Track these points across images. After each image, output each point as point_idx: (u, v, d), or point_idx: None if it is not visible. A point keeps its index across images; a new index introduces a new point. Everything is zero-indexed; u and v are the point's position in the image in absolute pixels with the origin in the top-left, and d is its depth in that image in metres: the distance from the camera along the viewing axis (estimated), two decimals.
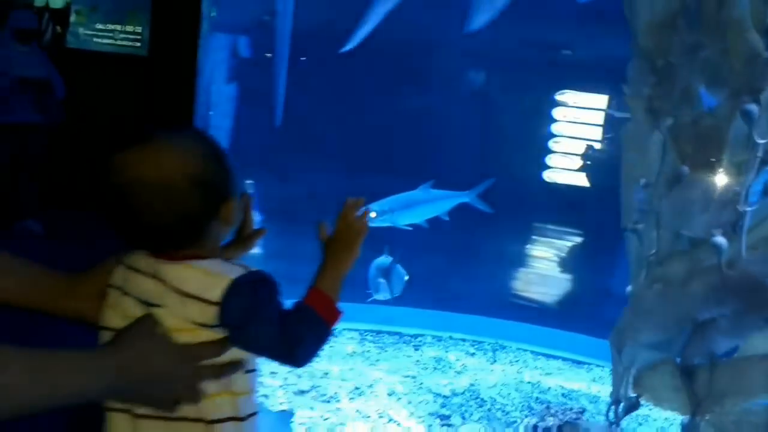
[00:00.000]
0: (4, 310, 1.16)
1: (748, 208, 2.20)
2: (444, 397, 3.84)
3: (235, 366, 1.13)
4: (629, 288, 2.73)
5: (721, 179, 2.29)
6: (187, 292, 1.09)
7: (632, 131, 2.56)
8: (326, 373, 3.94)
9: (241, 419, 1.13)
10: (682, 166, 2.34)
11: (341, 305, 1.19)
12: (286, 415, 3.01)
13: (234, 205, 1.19)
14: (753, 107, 2.03)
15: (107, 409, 1.12)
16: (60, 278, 1.20)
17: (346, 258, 1.24)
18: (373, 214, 4.55)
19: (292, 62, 5.06)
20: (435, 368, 4.36)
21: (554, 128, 5.65)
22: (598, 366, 4.77)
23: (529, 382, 4.32)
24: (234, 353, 1.12)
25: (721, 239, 2.28)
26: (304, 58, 5.13)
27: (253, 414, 1.17)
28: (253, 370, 1.17)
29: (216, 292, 1.08)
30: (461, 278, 5.41)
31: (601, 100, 5.55)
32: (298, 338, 1.13)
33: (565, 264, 5.92)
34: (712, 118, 2.21)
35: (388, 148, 5.45)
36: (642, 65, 2.54)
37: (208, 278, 1.10)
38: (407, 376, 4.09)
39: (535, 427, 2.93)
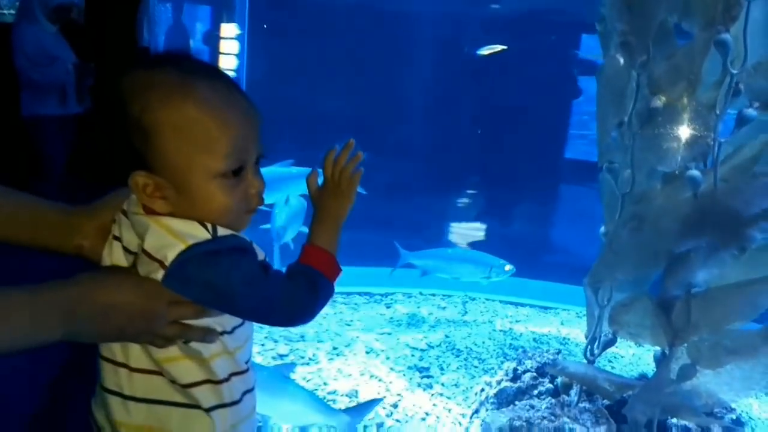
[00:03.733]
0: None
1: (721, 140, 2.23)
2: (421, 350, 3.86)
3: (202, 332, 1.04)
4: (602, 228, 2.77)
5: (693, 113, 2.31)
6: (144, 248, 1.00)
7: (607, 70, 2.55)
8: (302, 336, 3.91)
9: (218, 382, 1.05)
10: (656, 102, 2.36)
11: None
12: (286, 368, 2.97)
13: (150, 180, 1.00)
14: (727, 37, 2.04)
15: (103, 359, 1.06)
16: (56, 212, 1.11)
17: (342, 206, 1.16)
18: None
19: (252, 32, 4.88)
20: (409, 324, 4.38)
21: None
22: (564, 310, 4.89)
23: (501, 330, 4.39)
24: (207, 320, 1.04)
25: (695, 172, 2.31)
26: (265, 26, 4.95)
27: (236, 374, 1.08)
28: (227, 332, 1.06)
29: (168, 254, 0.97)
30: (430, 235, 5.46)
31: None
32: (298, 301, 1.06)
33: (525, 217, 6.02)
34: (685, 52, 2.22)
35: None
36: (615, 1, 2.52)
37: (168, 237, 0.99)
38: (383, 333, 4.09)
39: (514, 369, 2.97)
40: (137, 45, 4.13)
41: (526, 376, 2.96)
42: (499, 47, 5.34)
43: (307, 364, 3.52)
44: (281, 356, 3.57)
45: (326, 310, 4.51)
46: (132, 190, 1.00)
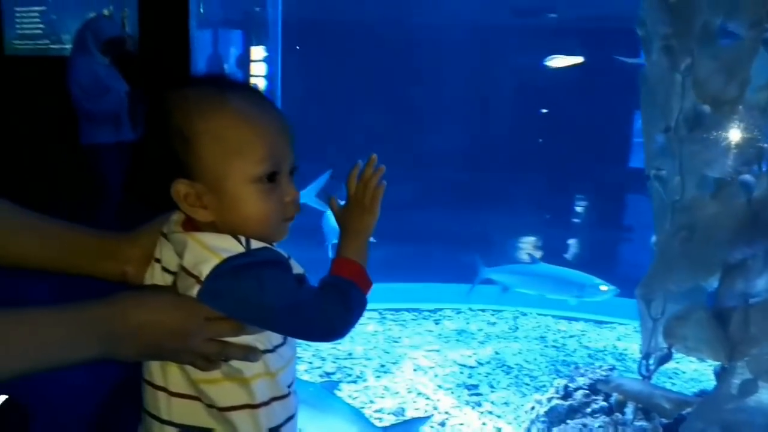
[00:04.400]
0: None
1: None
2: (470, 367, 3.79)
3: (243, 350, 1.02)
4: (654, 238, 2.67)
5: (743, 115, 2.21)
6: (182, 265, 1.01)
7: (649, 74, 2.48)
8: (350, 354, 3.90)
9: (257, 406, 1.02)
10: (703, 106, 2.27)
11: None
12: (331, 385, 2.96)
13: (191, 187, 1.03)
14: None
15: (145, 382, 1.06)
16: (100, 239, 1.13)
17: (367, 221, 1.15)
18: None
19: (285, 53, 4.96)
20: (458, 340, 4.32)
21: None
22: (621, 324, 4.73)
23: (553, 346, 4.28)
24: (247, 337, 1.02)
25: (748, 177, 2.21)
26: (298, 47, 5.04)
27: (277, 399, 1.05)
28: (269, 351, 1.05)
29: (203, 269, 0.98)
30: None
31: None
32: (332, 312, 1.04)
33: (576, 229, 5.89)
34: (732, 53, 2.13)
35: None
36: (655, 3, 2.44)
37: (203, 252, 1.00)
38: (431, 350, 4.04)
39: (566, 387, 2.88)
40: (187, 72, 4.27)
41: (578, 394, 2.86)
42: (574, 59, 5.24)
43: (355, 381, 3.50)
44: (328, 374, 3.56)
45: (375, 327, 4.52)
46: (174, 199, 1.03)
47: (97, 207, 4.81)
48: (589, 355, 4.13)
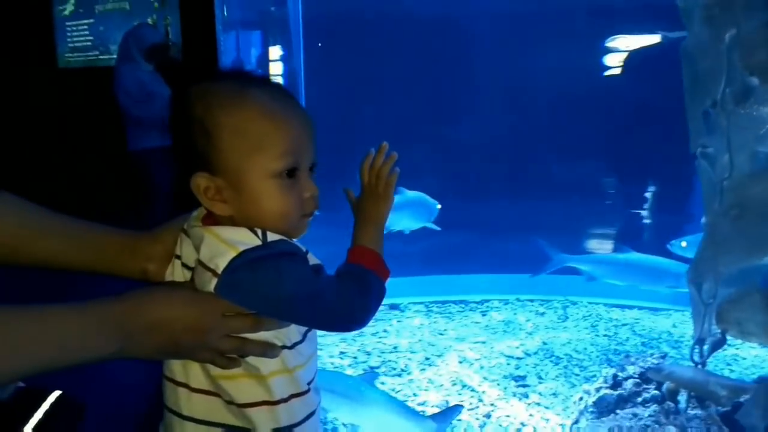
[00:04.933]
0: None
1: None
2: (517, 359, 3.72)
3: (261, 346, 1.01)
4: (704, 219, 2.55)
5: None
6: (199, 259, 1.01)
7: (691, 47, 2.37)
8: (395, 348, 3.88)
9: (275, 402, 1.01)
10: (751, 78, 2.15)
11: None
12: (370, 377, 2.95)
13: (210, 181, 1.03)
14: None
15: (165, 378, 1.06)
16: (121, 238, 1.14)
17: (381, 209, 1.15)
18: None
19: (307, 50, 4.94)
20: (505, 331, 4.25)
21: None
22: (677, 311, 4.56)
23: (605, 335, 4.16)
24: (265, 333, 1.01)
25: None
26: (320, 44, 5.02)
27: (296, 395, 1.04)
28: (287, 347, 1.03)
29: (219, 262, 0.98)
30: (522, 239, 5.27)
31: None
32: (350, 301, 1.03)
33: (642, 215, 5.68)
34: None
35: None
36: None
37: (220, 246, 0.99)
38: (477, 342, 3.99)
39: (615, 376, 2.78)
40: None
41: (628, 383, 2.76)
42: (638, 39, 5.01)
43: (399, 375, 3.48)
44: (373, 368, 3.55)
45: (421, 320, 4.48)
46: (194, 192, 1.03)
47: (146, 210, 4.93)
48: (643, 344, 4.00)
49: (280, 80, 5.01)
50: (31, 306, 0.89)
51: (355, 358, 3.72)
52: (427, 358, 3.71)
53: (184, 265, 1.07)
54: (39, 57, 7.21)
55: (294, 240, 1.06)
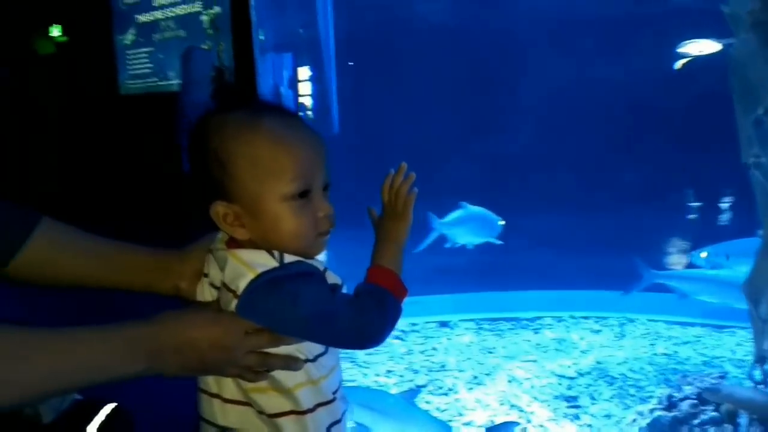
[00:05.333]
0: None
1: None
2: (569, 378, 3.61)
3: (284, 360, 1.06)
4: (760, 231, 2.42)
5: None
6: (223, 281, 1.07)
7: (739, 55, 2.26)
8: (443, 366, 3.83)
9: (302, 412, 1.06)
10: None
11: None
12: (411, 394, 2.92)
13: (228, 209, 1.08)
14: None
15: (200, 391, 1.11)
16: (154, 256, 1.20)
17: (401, 228, 1.17)
18: None
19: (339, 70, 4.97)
20: (557, 350, 4.13)
21: None
22: (743, 329, 4.33)
23: (663, 354, 3.99)
24: (287, 347, 1.07)
25: None
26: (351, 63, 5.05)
27: (322, 404, 1.08)
28: (310, 360, 1.08)
29: (240, 284, 1.03)
30: (577, 255, 5.12)
31: None
32: (367, 320, 1.06)
33: (688, 224, 5.45)
34: None
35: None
36: None
37: (240, 268, 1.05)
38: (527, 361, 3.89)
39: (670, 397, 2.65)
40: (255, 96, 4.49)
41: (685, 404, 2.63)
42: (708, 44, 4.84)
43: (446, 394, 3.42)
44: (420, 387, 3.50)
45: (470, 337, 4.41)
46: (214, 219, 1.08)
47: (202, 232, 5.07)
48: (704, 363, 3.82)
49: (309, 100, 5.07)
50: (64, 329, 0.96)
51: (401, 376, 3.69)
52: (475, 377, 3.64)
53: (211, 284, 1.12)
54: (102, 85, 7.54)
55: (314, 259, 1.10)
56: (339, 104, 5.02)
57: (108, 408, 1.22)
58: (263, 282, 1.03)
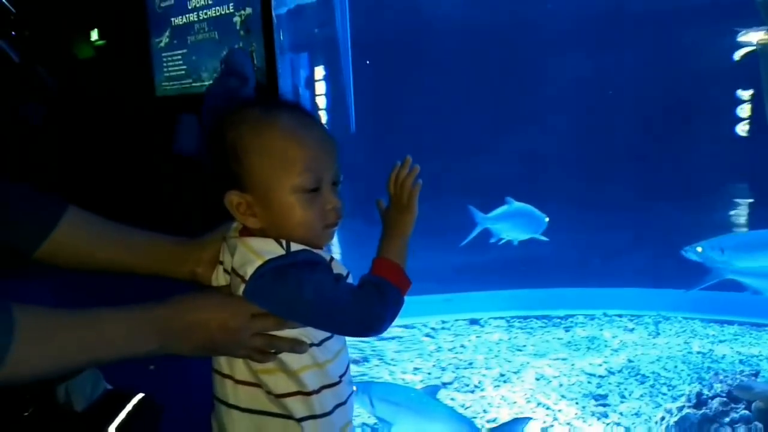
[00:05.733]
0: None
1: None
2: (599, 377, 3.54)
3: (290, 343, 1.12)
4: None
5: None
6: (233, 266, 1.13)
7: None
8: (470, 363, 3.80)
9: (308, 393, 1.11)
10: None
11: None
12: (432, 389, 2.91)
13: (242, 199, 1.14)
14: None
15: (214, 371, 1.18)
16: (173, 244, 1.29)
17: (406, 220, 1.21)
18: None
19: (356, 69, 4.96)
20: (588, 348, 4.06)
21: None
22: None
23: (698, 353, 3.89)
24: (292, 331, 1.12)
25: None
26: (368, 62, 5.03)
27: (327, 386, 1.14)
28: (315, 344, 1.14)
29: (248, 270, 1.09)
30: (610, 251, 5.01)
31: None
32: (367, 309, 1.11)
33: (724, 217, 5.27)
34: None
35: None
36: None
37: (249, 255, 1.11)
38: (557, 359, 3.83)
39: (699, 394, 2.58)
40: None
41: (715, 402, 2.55)
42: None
43: (472, 391, 3.40)
44: (445, 384, 3.48)
45: (500, 335, 4.36)
46: (228, 208, 1.14)
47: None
48: (741, 362, 3.70)
49: (326, 99, 5.09)
50: (83, 310, 1.04)
51: (429, 373, 3.67)
52: (502, 375, 3.60)
53: (225, 270, 1.19)
54: (139, 86, 7.70)
55: (322, 249, 1.16)
56: (356, 104, 5.03)
57: (137, 398, 1.28)
58: (270, 269, 1.08)
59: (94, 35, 8.03)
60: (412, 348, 4.06)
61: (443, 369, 3.73)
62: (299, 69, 5.09)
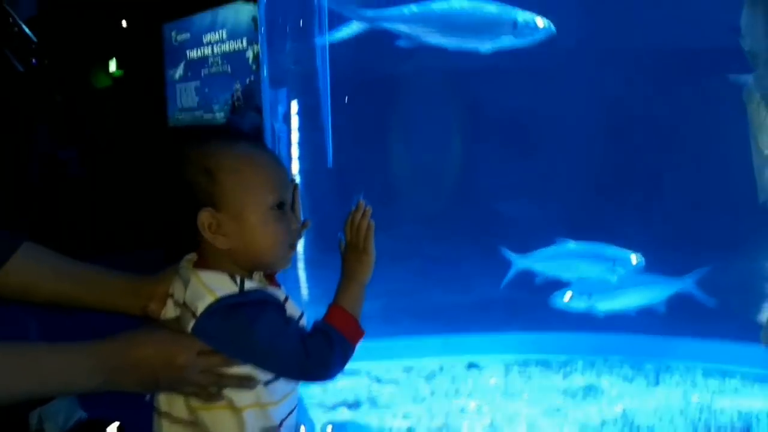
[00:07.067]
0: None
1: None
2: (592, 428, 3.44)
3: (237, 380, 1.13)
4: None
5: None
6: (184, 299, 1.16)
7: (756, 91, 2.16)
8: (462, 410, 3.72)
9: None
10: None
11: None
12: None
13: (213, 218, 1.18)
14: None
15: (153, 410, 1.21)
16: (126, 280, 1.32)
17: (364, 265, 1.24)
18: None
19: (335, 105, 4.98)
20: (585, 396, 3.96)
21: None
22: None
23: (697, 405, 3.77)
24: (244, 368, 1.14)
25: None
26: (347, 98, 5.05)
27: (267, 429, 1.16)
28: (261, 383, 1.16)
29: (198, 305, 1.11)
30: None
31: None
32: (315, 356, 1.12)
33: (732, 261, 5.15)
34: None
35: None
36: (757, 12, 2.15)
37: (201, 290, 1.13)
38: (551, 408, 3.74)
39: None
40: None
41: None
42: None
43: None
44: (437, 430, 3.41)
45: (497, 380, 4.27)
46: (199, 227, 1.18)
47: None
48: (740, 416, 3.58)
49: (303, 134, 5.12)
50: (29, 344, 1.09)
51: (420, 418, 3.61)
52: (492, 423, 3.52)
53: (176, 302, 1.21)
54: (153, 117, 7.83)
55: (278, 288, 1.21)
56: (333, 139, 5.04)
57: (113, 427, 1.36)
58: (221, 307, 1.11)
59: (113, 66, 8.21)
60: (407, 392, 4.00)
61: (433, 415, 3.66)
62: (276, 104, 5.14)
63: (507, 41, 3.94)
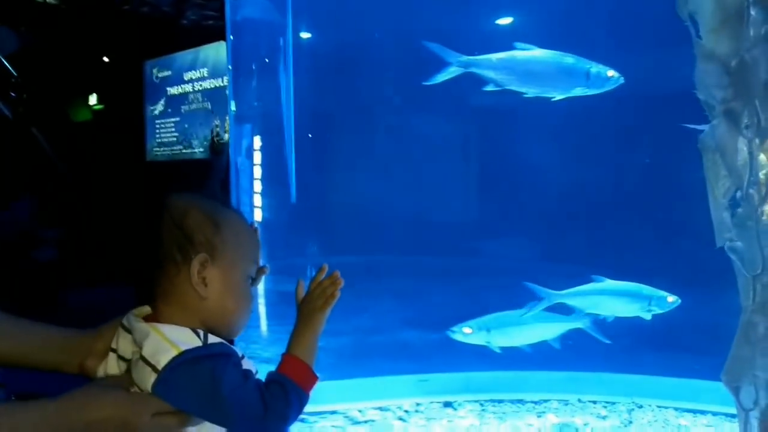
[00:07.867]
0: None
1: None
2: None
3: None
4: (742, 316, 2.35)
5: None
6: (142, 354, 1.13)
7: (710, 140, 2.27)
8: None
9: None
10: None
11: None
12: None
13: (204, 265, 1.20)
14: None
15: None
16: (63, 336, 1.28)
17: (318, 320, 1.28)
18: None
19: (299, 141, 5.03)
20: None
21: None
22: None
23: None
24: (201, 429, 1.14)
25: None
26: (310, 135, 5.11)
27: None
28: None
29: (161, 359, 1.10)
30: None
31: None
32: (272, 408, 1.14)
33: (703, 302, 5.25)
34: None
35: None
36: (710, 68, 2.27)
37: (163, 343, 1.11)
38: None
39: None
40: None
41: None
42: None
43: None
44: None
45: (472, 420, 4.27)
46: (191, 268, 1.19)
47: None
48: None
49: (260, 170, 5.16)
50: None
51: None
52: None
53: (120, 357, 1.19)
54: (130, 152, 7.81)
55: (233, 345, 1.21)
56: (297, 175, 5.07)
57: None
58: (185, 360, 1.09)
59: (93, 99, 8.24)
60: None
61: None
62: (240, 139, 5.19)
63: (579, 91, 4.17)
